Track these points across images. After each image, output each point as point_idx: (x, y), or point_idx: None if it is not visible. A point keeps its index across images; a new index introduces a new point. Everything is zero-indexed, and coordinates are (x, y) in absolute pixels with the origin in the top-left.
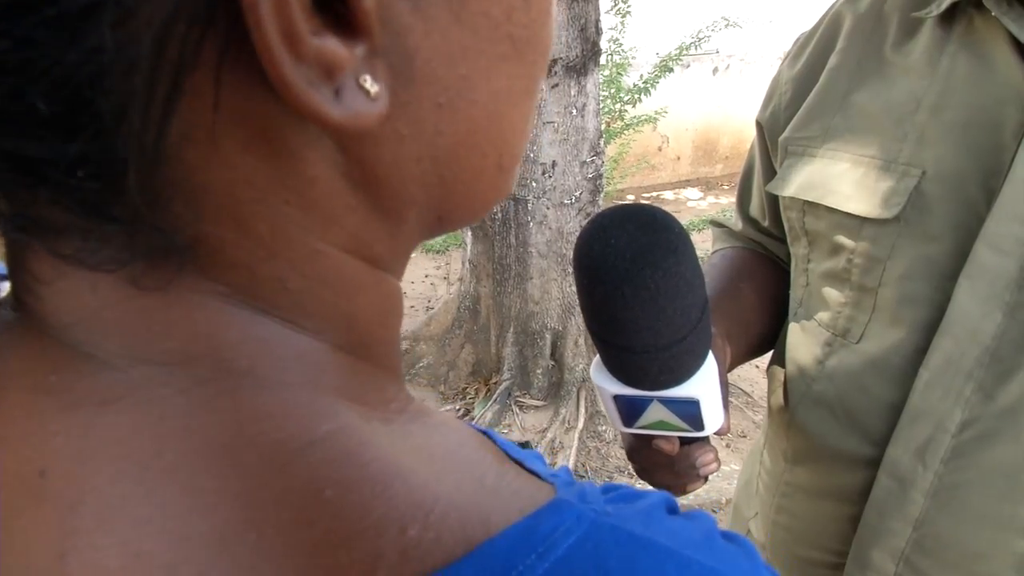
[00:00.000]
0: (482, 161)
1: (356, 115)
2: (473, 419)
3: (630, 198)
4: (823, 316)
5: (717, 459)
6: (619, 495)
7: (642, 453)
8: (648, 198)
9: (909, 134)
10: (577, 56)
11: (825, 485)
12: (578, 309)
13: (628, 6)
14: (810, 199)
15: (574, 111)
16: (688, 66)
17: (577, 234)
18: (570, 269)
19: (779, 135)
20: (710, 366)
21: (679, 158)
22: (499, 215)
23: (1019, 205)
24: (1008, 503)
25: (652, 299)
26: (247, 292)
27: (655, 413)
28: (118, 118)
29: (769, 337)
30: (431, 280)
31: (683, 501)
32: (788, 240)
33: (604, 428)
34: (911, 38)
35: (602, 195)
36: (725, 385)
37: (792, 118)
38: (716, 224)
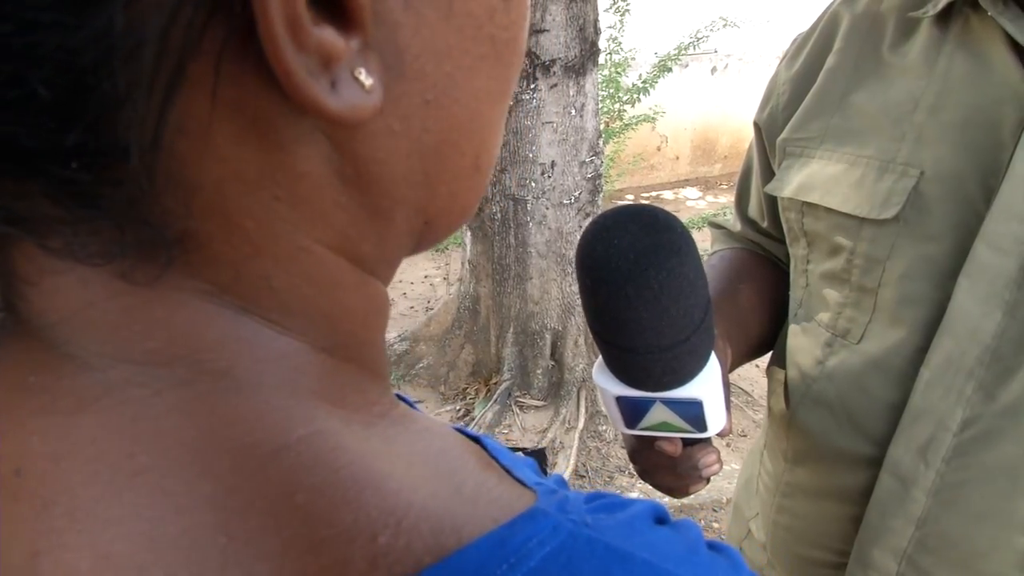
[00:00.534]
0: (461, 160)
1: (352, 107)
2: (473, 419)
3: (629, 198)
4: (823, 317)
5: (719, 460)
6: (603, 504)
7: (644, 454)
8: (647, 198)
9: (907, 134)
10: (576, 56)
11: (826, 485)
12: (578, 309)
13: (627, 5)
14: (809, 200)
15: (573, 111)
16: (687, 66)
17: (576, 234)
18: (570, 269)
19: (777, 136)
20: (713, 367)
21: (678, 158)
22: (498, 215)
23: (1018, 204)
24: (1010, 501)
25: (655, 299)
26: (231, 290)
27: (658, 414)
28: (119, 105)
29: (768, 338)
30: (431, 280)
31: (683, 500)
32: (787, 241)
33: (605, 428)
34: (908, 38)
35: (601, 195)
36: (726, 386)
37: (790, 119)
38: (715, 225)
